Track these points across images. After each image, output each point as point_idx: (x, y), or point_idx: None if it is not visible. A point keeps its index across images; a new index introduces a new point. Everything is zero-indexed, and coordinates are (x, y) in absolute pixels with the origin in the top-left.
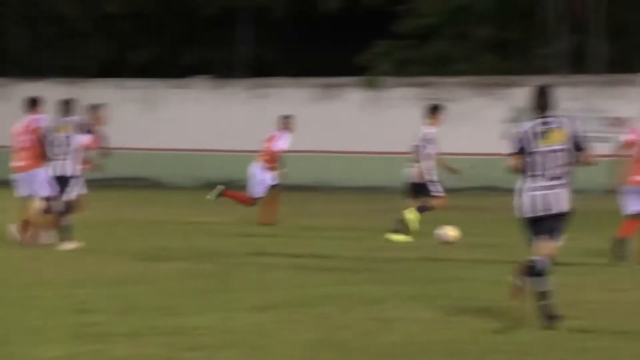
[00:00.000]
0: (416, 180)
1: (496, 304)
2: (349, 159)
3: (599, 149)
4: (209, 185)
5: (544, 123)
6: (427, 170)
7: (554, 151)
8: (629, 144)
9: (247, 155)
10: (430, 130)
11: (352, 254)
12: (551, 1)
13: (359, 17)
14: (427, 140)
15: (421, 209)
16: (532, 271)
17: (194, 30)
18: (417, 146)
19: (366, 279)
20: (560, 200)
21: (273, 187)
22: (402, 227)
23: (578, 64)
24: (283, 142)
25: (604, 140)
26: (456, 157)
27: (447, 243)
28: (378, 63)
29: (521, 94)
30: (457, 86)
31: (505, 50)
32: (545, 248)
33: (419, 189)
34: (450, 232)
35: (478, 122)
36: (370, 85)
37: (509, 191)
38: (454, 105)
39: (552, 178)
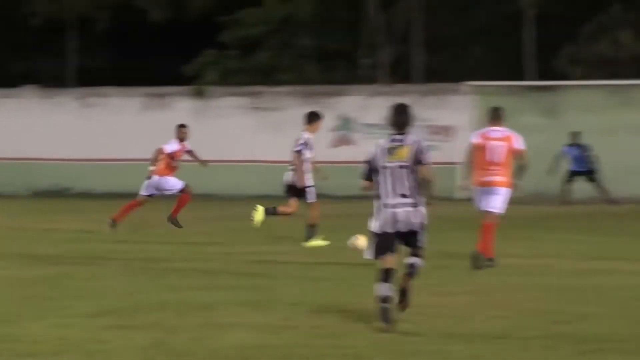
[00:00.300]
0: (293, 183)
1: (327, 308)
2: (182, 167)
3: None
4: (41, 194)
5: (393, 140)
6: (305, 176)
7: (401, 167)
8: (477, 147)
9: (77, 164)
10: (308, 136)
11: (184, 260)
12: (373, 13)
13: (186, 27)
14: (306, 146)
15: (269, 212)
16: (385, 278)
17: (22, 40)
18: (297, 151)
19: (199, 284)
20: (409, 218)
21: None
22: (311, 232)
23: (400, 73)
24: (170, 147)
25: (430, 148)
26: (281, 164)
27: (356, 249)
28: (205, 72)
29: (346, 103)
30: (282, 95)
31: (329, 60)
32: (412, 255)
33: (296, 193)
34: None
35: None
36: (198, 94)
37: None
38: (279, 114)
39: (401, 195)
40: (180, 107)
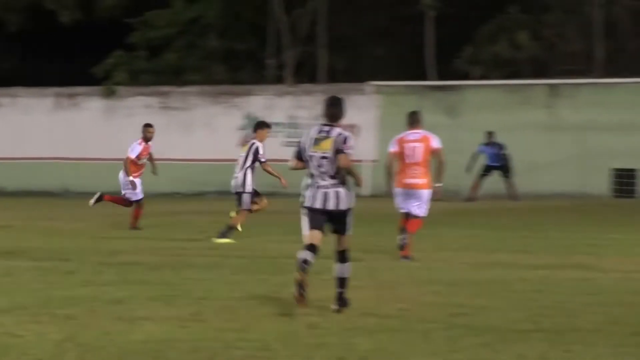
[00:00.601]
0: (236, 189)
1: (236, 302)
2: (92, 166)
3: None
4: None
5: (321, 131)
6: (246, 182)
7: (323, 157)
8: (396, 154)
9: None
10: (258, 143)
11: (95, 256)
12: (278, 15)
13: (96, 29)
14: (253, 153)
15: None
16: (305, 264)
17: None
18: (263, 162)
19: (109, 280)
20: (339, 199)
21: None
22: (227, 231)
23: (306, 74)
24: (133, 152)
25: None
26: (191, 162)
27: None
28: (114, 73)
29: (253, 102)
30: (190, 95)
31: (236, 61)
32: (340, 243)
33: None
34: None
35: (212, 129)
36: (108, 94)
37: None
38: (187, 114)
39: (328, 179)
40: (90, 106)
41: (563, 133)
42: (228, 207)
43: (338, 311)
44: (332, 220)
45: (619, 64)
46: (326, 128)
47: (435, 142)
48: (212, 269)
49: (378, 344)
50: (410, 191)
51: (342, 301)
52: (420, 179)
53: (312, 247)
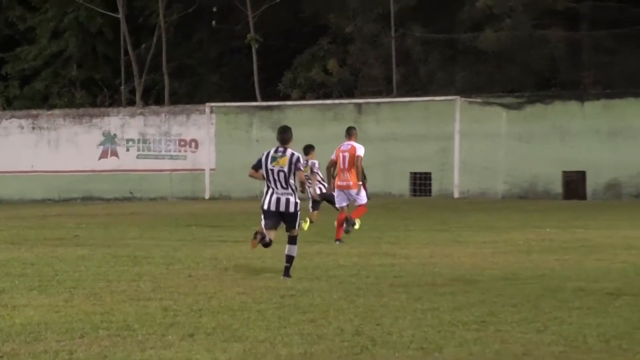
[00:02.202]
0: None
1: (101, 290)
2: None
3: (175, 165)
4: None
5: (276, 151)
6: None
7: (280, 171)
8: (334, 161)
9: None
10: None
11: None
12: (127, 48)
13: None
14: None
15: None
16: (265, 243)
17: None
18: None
19: None
20: (288, 204)
21: None
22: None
23: (153, 97)
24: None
25: (178, 157)
26: (59, 174)
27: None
28: None
29: (109, 122)
30: (56, 117)
31: (94, 87)
32: (290, 232)
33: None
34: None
35: (76, 145)
36: None
37: (105, 199)
38: (54, 133)
39: (280, 188)
40: None
41: (369, 143)
42: (92, 211)
43: (284, 279)
44: (284, 218)
45: (412, 85)
46: (281, 149)
47: (359, 151)
48: (80, 263)
49: (221, 322)
50: (344, 190)
51: (287, 273)
52: (350, 181)
53: (267, 244)
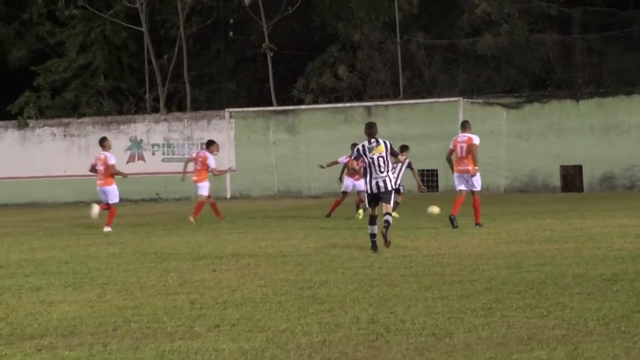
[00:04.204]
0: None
1: (131, 286)
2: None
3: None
4: None
5: (370, 142)
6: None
7: (379, 157)
8: (451, 152)
9: None
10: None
11: (17, 252)
12: (151, 59)
13: (8, 75)
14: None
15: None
16: (372, 220)
17: None
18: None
19: (31, 272)
20: (386, 184)
21: None
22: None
23: (176, 104)
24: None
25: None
26: (90, 178)
27: (433, 213)
28: (26, 109)
29: (135, 128)
30: (86, 125)
31: (120, 96)
32: (384, 208)
33: None
34: (435, 208)
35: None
36: (22, 126)
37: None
38: (84, 139)
39: (380, 172)
40: (8, 137)
41: None
42: (120, 212)
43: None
44: (380, 196)
45: (417, 88)
46: (373, 140)
47: (475, 140)
48: (112, 261)
49: (245, 313)
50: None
51: (385, 237)
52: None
53: (374, 219)
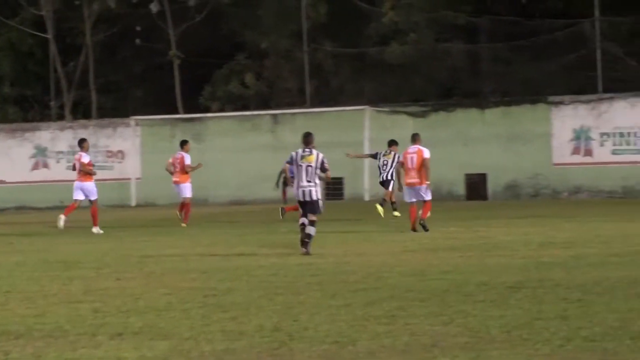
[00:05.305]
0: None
1: (34, 295)
2: None
3: (103, 174)
4: None
5: (304, 151)
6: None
7: (308, 166)
8: (400, 164)
9: None
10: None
11: None
12: (57, 67)
13: None
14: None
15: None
16: (303, 226)
17: None
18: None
19: None
20: (312, 193)
21: None
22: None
23: (82, 111)
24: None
25: (106, 167)
26: None
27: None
28: None
29: (40, 136)
30: None
31: (26, 104)
32: (309, 216)
33: None
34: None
35: (9, 158)
36: None
37: (37, 209)
38: None
39: (307, 181)
40: None
41: (284, 151)
42: (25, 219)
43: (305, 253)
44: (307, 205)
45: (324, 96)
46: (307, 149)
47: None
48: (15, 269)
49: (148, 322)
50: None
51: (307, 247)
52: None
53: (304, 226)
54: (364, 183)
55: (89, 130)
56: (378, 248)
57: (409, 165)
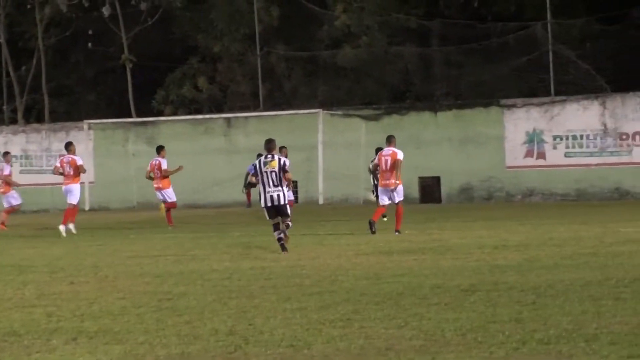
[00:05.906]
0: None
1: None
2: None
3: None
4: None
5: (266, 157)
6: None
7: (271, 172)
8: (375, 166)
9: None
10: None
11: None
12: (8, 70)
13: None
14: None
15: None
16: (276, 227)
17: None
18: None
19: None
20: (280, 198)
21: None
22: None
23: (35, 115)
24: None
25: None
26: None
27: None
28: None
29: None
30: None
31: None
32: (279, 220)
33: None
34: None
35: None
36: None
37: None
38: None
39: (274, 185)
40: None
41: (238, 155)
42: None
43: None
44: (277, 210)
45: (277, 100)
46: (269, 155)
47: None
48: None
49: (102, 326)
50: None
51: (283, 248)
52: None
53: (277, 225)
54: (318, 186)
55: (42, 135)
56: (332, 251)
57: (384, 167)
